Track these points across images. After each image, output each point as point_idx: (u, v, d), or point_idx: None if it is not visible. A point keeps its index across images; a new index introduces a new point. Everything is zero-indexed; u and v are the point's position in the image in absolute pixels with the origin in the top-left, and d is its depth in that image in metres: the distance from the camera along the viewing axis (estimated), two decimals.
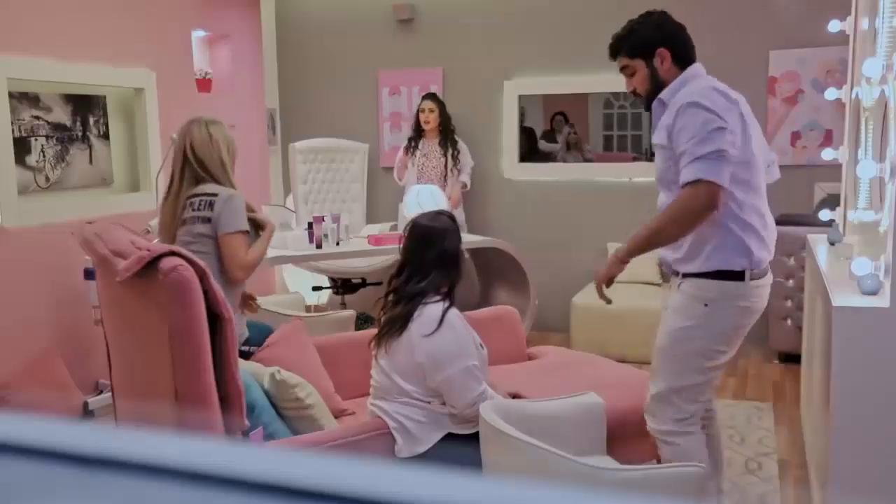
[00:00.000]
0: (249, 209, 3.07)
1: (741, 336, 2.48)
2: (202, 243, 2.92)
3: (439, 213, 2.79)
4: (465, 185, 5.32)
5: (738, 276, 2.37)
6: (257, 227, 3.10)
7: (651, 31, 2.46)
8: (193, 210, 2.93)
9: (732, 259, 2.37)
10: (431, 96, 5.34)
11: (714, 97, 2.29)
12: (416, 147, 5.30)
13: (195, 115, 3.12)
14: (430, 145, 5.29)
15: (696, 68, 2.46)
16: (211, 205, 2.91)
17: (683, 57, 2.45)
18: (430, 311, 2.54)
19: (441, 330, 2.51)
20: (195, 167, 2.97)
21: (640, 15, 2.52)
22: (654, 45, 2.43)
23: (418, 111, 5.29)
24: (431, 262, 2.59)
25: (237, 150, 3.12)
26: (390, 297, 2.65)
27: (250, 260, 2.95)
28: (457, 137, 5.35)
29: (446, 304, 2.58)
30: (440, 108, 5.26)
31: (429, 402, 2.58)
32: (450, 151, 5.26)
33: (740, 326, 2.46)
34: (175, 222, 2.97)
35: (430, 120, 5.24)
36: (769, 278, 2.46)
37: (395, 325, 2.58)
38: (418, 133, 5.30)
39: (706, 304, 2.39)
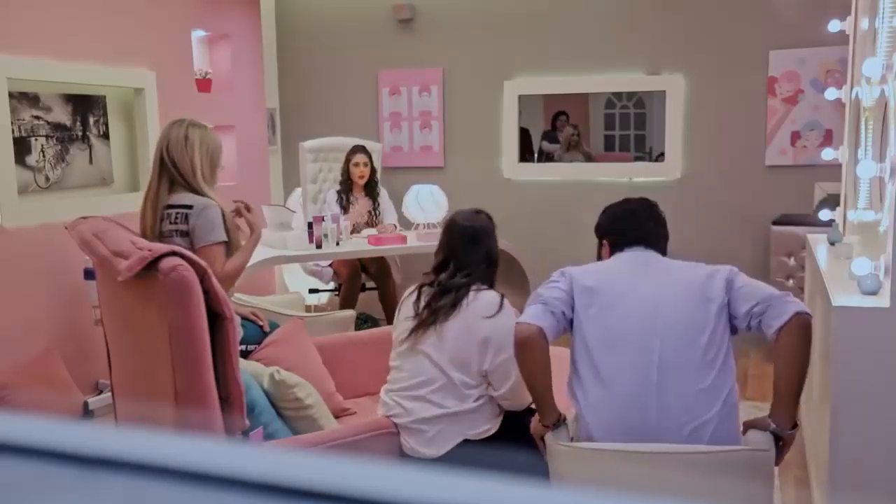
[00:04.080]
0: (247, 208, 3.01)
1: None
2: None
3: (477, 211, 2.84)
4: (394, 227, 5.13)
5: None
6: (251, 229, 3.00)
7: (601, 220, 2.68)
8: (170, 223, 2.84)
9: None
10: (362, 149, 5.15)
11: None
12: (347, 202, 5.15)
13: (194, 115, 3.11)
14: (357, 195, 5.19)
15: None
16: (186, 217, 2.82)
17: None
18: (488, 295, 2.60)
19: (503, 312, 2.56)
20: (170, 169, 2.87)
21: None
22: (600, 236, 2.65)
23: (351, 165, 5.11)
24: (478, 260, 2.66)
25: (220, 157, 2.99)
26: (433, 289, 2.65)
27: (229, 271, 2.83)
28: (381, 187, 5.26)
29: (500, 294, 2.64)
30: (372, 162, 5.16)
31: (470, 392, 2.56)
32: (375, 202, 5.19)
33: None
34: (153, 235, 2.85)
35: (366, 174, 5.11)
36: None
37: (442, 311, 2.60)
38: (347, 186, 5.14)
39: None
